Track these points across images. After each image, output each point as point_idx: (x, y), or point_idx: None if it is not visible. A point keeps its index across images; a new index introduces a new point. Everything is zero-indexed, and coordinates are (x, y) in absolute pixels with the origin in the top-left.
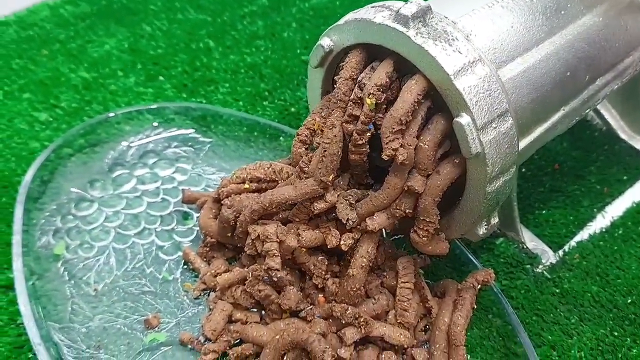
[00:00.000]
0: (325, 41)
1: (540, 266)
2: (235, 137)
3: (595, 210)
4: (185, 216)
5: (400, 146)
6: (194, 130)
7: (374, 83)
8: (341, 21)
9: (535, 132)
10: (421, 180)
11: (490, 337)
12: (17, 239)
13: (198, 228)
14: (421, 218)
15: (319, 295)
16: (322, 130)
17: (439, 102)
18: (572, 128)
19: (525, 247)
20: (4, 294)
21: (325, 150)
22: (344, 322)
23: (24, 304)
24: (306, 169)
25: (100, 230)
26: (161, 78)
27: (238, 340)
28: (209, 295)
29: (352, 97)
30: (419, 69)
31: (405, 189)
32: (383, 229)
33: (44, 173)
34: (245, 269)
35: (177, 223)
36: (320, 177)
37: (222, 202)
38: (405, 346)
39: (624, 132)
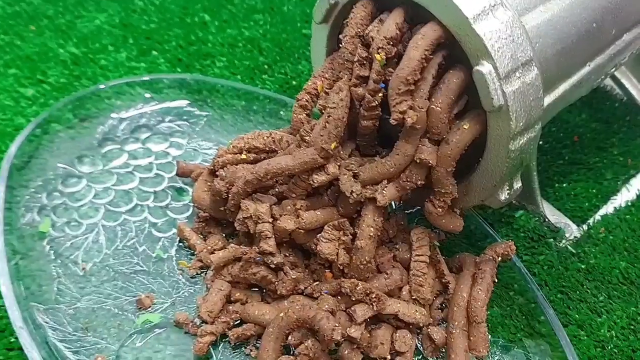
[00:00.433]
0: None
1: (564, 241)
2: (233, 111)
3: (619, 183)
4: (181, 192)
5: (410, 108)
6: (189, 104)
7: (382, 36)
8: None
9: (559, 88)
10: (432, 151)
11: (512, 316)
12: None
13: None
14: (435, 189)
15: (326, 270)
16: (326, 93)
17: (454, 55)
18: (591, 99)
19: (547, 220)
20: None
21: (329, 116)
22: (354, 299)
23: (5, 284)
24: (307, 137)
25: (89, 207)
26: (154, 52)
27: (238, 322)
28: (206, 274)
29: (358, 56)
30: (433, 14)
31: (417, 161)
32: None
33: (28, 148)
34: (242, 247)
35: (171, 199)
36: (321, 144)
37: (217, 173)
38: (421, 324)
39: None
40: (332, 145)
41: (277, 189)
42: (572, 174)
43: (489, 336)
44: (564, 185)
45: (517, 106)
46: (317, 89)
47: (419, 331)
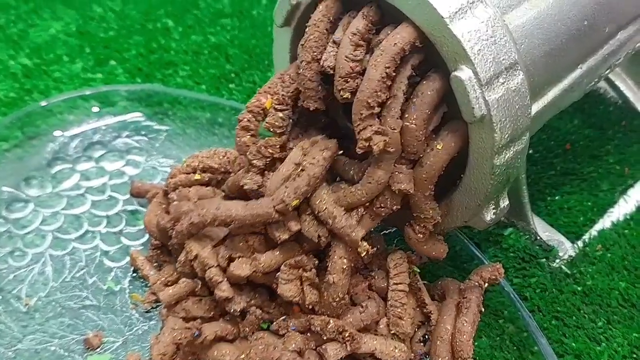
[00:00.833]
0: None
1: (558, 260)
2: (197, 124)
3: (616, 194)
4: (136, 215)
5: (376, 133)
6: (147, 117)
7: (339, 76)
8: None
9: (549, 93)
10: (409, 177)
11: (502, 347)
12: None
13: None
14: (414, 214)
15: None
16: (276, 110)
17: (431, 59)
18: (584, 103)
19: (538, 238)
20: None
21: (303, 170)
22: (325, 337)
23: None
24: (255, 161)
25: (35, 234)
26: (112, 62)
27: None
28: (162, 307)
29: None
30: (405, 14)
31: (395, 191)
32: None
33: None
34: (195, 281)
35: (125, 224)
36: (282, 196)
37: (168, 195)
38: None
39: None
40: (294, 202)
41: None
42: (565, 186)
43: None
44: (557, 198)
45: (502, 116)
46: (262, 107)
47: None
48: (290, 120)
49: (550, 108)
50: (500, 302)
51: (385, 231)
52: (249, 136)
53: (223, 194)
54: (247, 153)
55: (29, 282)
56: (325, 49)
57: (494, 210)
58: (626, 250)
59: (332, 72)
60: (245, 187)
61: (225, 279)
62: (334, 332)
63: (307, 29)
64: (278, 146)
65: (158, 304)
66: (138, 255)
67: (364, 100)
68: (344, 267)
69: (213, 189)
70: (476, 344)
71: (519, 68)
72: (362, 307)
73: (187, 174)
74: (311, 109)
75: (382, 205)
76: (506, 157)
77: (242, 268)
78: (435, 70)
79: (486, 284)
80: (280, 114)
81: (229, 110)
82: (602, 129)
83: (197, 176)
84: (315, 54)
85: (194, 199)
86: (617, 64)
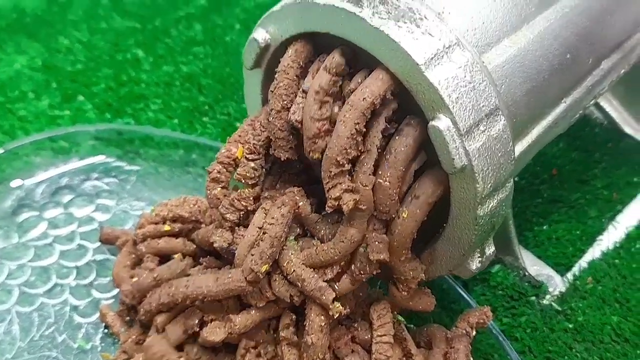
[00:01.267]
0: (260, 34)
1: (548, 296)
2: (169, 163)
3: (604, 220)
4: (107, 265)
5: (346, 191)
6: (118, 158)
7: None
8: (277, 7)
9: (532, 132)
10: (384, 245)
11: None
12: None
13: None
14: (395, 276)
15: None
16: (247, 159)
17: (408, 107)
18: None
19: (527, 274)
20: None
21: (265, 232)
22: None
23: None
24: (229, 215)
25: (0, 289)
26: (80, 98)
27: None
28: None
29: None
30: (379, 60)
31: (372, 260)
32: None
33: None
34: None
35: (96, 275)
36: (250, 265)
37: (137, 247)
38: None
39: (628, 126)
40: (263, 269)
41: None
42: (553, 214)
43: None
44: (544, 227)
45: (483, 165)
46: (233, 157)
47: None
48: (263, 170)
49: (535, 145)
50: (490, 344)
51: None
52: (219, 188)
53: (193, 245)
54: (220, 207)
55: None
56: (295, 96)
57: (480, 259)
58: (617, 282)
59: (300, 126)
60: (215, 244)
61: None
62: None
63: (276, 75)
64: (252, 198)
65: None
66: (108, 310)
67: (333, 158)
68: (322, 324)
69: (183, 240)
70: None
71: (500, 113)
72: None
73: (156, 223)
74: (282, 159)
75: (361, 272)
76: (490, 206)
77: (215, 333)
78: (408, 123)
79: (474, 331)
80: (252, 164)
81: (202, 146)
82: (588, 151)
83: (166, 227)
84: (285, 102)
85: (157, 273)
86: (603, 93)
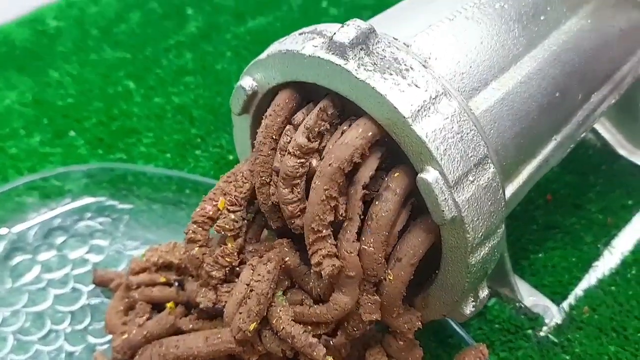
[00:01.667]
0: (247, 81)
1: (544, 328)
2: (163, 200)
3: (600, 246)
4: (102, 308)
5: (327, 256)
6: (110, 196)
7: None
8: (263, 55)
9: (523, 172)
10: (377, 307)
11: None
12: None
13: None
14: (390, 330)
15: None
16: (229, 211)
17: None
18: None
19: (523, 306)
20: None
21: (252, 290)
22: None
23: None
24: (214, 273)
25: None
26: (72, 133)
27: None
28: None
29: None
30: (365, 111)
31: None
32: None
33: None
34: None
35: (91, 319)
36: (239, 323)
37: (130, 293)
38: None
39: (622, 148)
40: (252, 327)
41: None
42: (548, 241)
43: None
44: (540, 255)
45: (473, 215)
46: (207, 216)
47: None
48: (244, 222)
49: (526, 185)
50: None
51: None
52: (197, 248)
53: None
54: (205, 265)
55: None
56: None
57: (474, 303)
58: (613, 310)
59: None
60: (201, 305)
61: None
62: None
63: (256, 143)
64: (235, 253)
65: None
66: (102, 357)
67: (308, 226)
68: None
69: (177, 288)
70: None
71: (489, 161)
72: None
73: (146, 269)
74: (274, 227)
75: (354, 329)
76: (482, 254)
77: None
78: (387, 187)
79: None
80: (232, 216)
81: (194, 182)
82: (583, 174)
83: (162, 279)
84: (263, 179)
85: (147, 330)
86: (594, 124)
